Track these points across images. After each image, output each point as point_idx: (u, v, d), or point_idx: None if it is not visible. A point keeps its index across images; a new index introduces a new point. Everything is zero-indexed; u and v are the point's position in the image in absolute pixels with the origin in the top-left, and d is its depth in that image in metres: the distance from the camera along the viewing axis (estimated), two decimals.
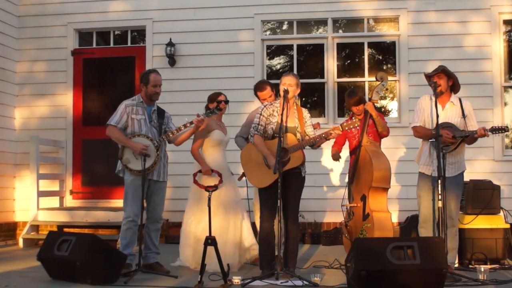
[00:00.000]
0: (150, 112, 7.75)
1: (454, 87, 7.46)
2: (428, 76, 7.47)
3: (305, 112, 7.45)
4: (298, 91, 7.45)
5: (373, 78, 11.00)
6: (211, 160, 7.97)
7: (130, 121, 7.63)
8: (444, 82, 7.35)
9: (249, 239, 8.01)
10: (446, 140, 7.11)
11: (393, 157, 9.25)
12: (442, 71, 7.37)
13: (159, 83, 7.75)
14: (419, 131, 7.50)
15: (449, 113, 7.37)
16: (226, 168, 8.09)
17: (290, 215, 7.32)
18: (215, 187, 6.84)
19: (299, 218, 7.56)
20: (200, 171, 7.89)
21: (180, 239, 8.06)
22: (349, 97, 8.20)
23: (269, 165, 7.17)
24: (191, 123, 7.50)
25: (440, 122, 7.19)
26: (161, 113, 7.85)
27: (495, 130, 7.14)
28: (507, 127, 7.22)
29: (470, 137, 7.23)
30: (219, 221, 7.68)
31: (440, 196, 6.85)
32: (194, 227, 7.83)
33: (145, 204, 7.51)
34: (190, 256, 7.83)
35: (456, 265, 7.75)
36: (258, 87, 8.35)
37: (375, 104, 8.18)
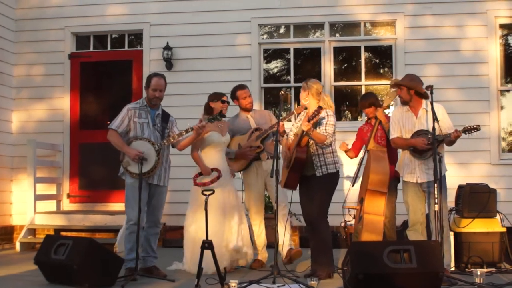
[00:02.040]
0: (154, 115, 7.73)
1: (422, 94, 7.49)
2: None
3: (324, 113, 7.38)
4: (305, 93, 7.52)
5: (370, 82, 11.10)
6: (209, 161, 7.95)
7: (132, 124, 7.63)
8: (404, 93, 7.47)
9: (247, 244, 8.01)
10: (423, 147, 7.19)
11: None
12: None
13: (159, 87, 7.73)
14: (397, 142, 7.60)
15: (423, 120, 7.42)
16: (226, 170, 8.03)
17: (312, 218, 7.43)
18: (212, 191, 6.85)
19: (320, 220, 7.43)
20: (200, 174, 7.89)
21: (184, 243, 8.06)
22: (361, 100, 8.36)
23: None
24: (192, 129, 7.50)
25: (416, 129, 7.38)
26: (165, 117, 7.84)
27: (467, 130, 7.21)
28: (478, 126, 7.25)
29: (446, 140, 7.28)
30: (216, 224, 7.68)
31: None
32: (195, 230, 7.85)
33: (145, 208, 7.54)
34: (189, 260, 7.84)
35: (453, 269, 7.77)
36: (239, 86, 8.47)
37: (384, 109, 8.26)
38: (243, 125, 8.42)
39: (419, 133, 7.33)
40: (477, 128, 7.24)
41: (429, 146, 7.17)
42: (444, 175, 7.50)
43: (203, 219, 7.25)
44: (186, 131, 7.52)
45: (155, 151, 7.49)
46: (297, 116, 7.58)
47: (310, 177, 7.39)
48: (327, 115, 7.36)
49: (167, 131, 7.77)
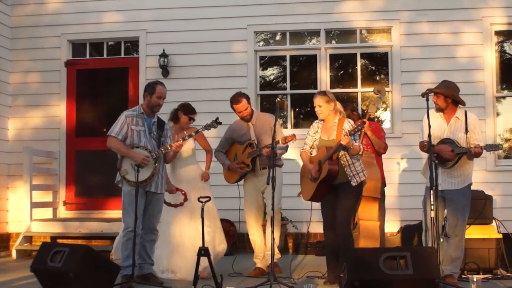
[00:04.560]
0: (150, 123, 7.74)
1: (458, 101, 7.49)
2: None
3: (346, 123, 7.33)
4: (331, 106, 7.39)
5: (366, 89, 11.09)
6: (184, 170, 8.24)
7: (129, 132, 7.62)
8: (441, 101, 7.41)
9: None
10: (446, 155, 7.18)
11: (386, 167, 9.25)
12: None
13: (164, 95, 7.75)
14: (421, 146, 7.59)
15: (453, 128, 7.41)
16: (197, 175, 8.28)
17: (336, 225, 7.31)
18: (208, 198, 6.82)
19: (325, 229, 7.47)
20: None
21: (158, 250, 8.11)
22: None
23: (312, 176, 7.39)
24: (170, 146, 7.56)
25: (444, 137, 7.35)
26: (161, 125, 7.86)
27: (489, 148, 7.20)
28: (501, 144, 7.29)
29: (469, 153, 7.25)
30: (191, 229, 7.82)
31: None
32: (165, 236, 8.05)
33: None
34: (168, 265, 7.98)
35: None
36: (234, 100, 8.24)
37: (371, 116, 8.27)
38: (242, 135, 8.38)
39: (444, 142, 7.32)
40: (499, 147, 7.28)
41: (452, 156, 7.20)
42: (469, 186, 7.50)
43: (173, 224, 7.74)
44: (170, 146, 7.55)
45: (153, 159, 7.50)
46: (317, 129, 7.51)
47: (339, 186, 7.29)
48: (351, 125, 7.30)
49: (162, 139, 7.78)
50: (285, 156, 8.54)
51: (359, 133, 7.29)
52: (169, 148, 7.56)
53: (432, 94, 7.40)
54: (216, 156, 8.54)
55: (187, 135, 7.59)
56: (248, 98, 8.29)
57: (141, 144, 7.58)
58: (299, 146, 7.82)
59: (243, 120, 8.35)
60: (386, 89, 10.78)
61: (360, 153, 7.26)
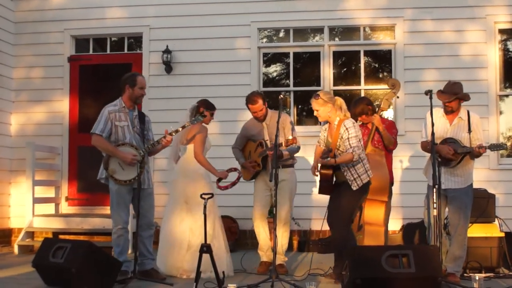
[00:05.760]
0: (133, 117, 7.70)
1: (465, 100, 7.48)
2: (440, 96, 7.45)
3: (342, 128, 7.20)
4: (328, 108, 7.30)
5: (370, 87, 11.09)
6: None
7: (113, 128, 7.56)
8: (455, 104, 7.39)
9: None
10: (447, 156, 7.17)
11: None
12: (456, 98, 7.36)
13: (145, 86, 7.78)
14: (426, 146, 7.53)
15: (456, 128, 7.41)
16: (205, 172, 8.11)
17: (333, 225, 7.33)
18: (211, 195, 6.80)
19: (340, 227, 7.30)
20: (219, 180, 7.95)
21: (162, 245, 8.03)
22: (351, 110, 8.17)
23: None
24: (158, 142, 7.50)
25: (447, 136, 7.34)
26: (142, 117, 7.80)
27: (493, 147, 7.20)
28: (505, 144, 7.28)
29: (472, 153, 7.24)
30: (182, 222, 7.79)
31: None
32: (171, 230, 7.88)
33: (133, 212, 7.54)
34: (171, 261, 7.85)
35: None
36: (250, 100, 8.16)
37: (382, 111, 8.26)
38: (256, 134, 8.33)
39: (447, 141, 7.31)
40: (503, 146, 7.27)
41: (453, 156, 7.20)
42: (471, 185, 7.49)
43: (183, 218, 7.67)
44: (158, 142, 7.50)
45: (141, 156, 7.45)
46: (326, 127, 7.50)
47: (341, 184, 7.28)
48: (346, 129, 7.18)
49: (145, 132, 7.73)
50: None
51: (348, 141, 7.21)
52: (157, 144, 7.50)
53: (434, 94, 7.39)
54: (233, 152, 8.53)
55: (173, 130, 7.51)
56: (264, 99, 8.21)
57: (126, 140, 7.53)
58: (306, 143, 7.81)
59: (257, 120, 8.32)
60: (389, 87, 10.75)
61: (355, 159, 7.11)
